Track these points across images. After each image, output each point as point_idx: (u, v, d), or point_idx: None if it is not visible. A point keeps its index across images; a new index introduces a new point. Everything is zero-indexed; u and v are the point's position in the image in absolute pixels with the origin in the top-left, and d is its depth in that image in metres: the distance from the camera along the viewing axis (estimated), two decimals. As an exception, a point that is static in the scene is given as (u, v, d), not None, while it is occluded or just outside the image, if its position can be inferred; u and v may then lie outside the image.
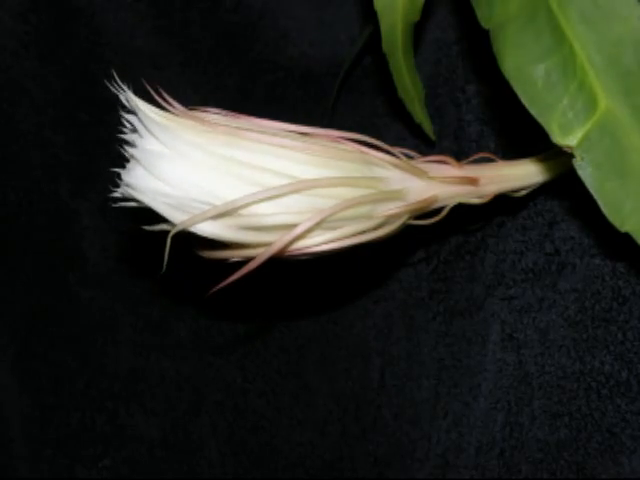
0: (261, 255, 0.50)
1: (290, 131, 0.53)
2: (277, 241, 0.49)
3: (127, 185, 0.48)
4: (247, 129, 0.51)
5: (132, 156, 0.49)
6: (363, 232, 0.53)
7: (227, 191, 0.49)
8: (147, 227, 0.51)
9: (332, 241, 0.52)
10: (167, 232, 0.49)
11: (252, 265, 0.50)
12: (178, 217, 0.48)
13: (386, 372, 0.79)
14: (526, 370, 0.71)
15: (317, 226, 0.51)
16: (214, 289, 0.51)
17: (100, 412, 0.96)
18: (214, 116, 0.52)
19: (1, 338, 1.01)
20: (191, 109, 0.52)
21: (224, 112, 0.53)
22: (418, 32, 0.70)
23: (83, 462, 0.97)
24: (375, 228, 0.54)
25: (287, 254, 0.52)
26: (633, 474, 0.66)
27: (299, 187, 0.50)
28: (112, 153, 1.00)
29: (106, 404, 0.95)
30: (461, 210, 0.59)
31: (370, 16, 0.65)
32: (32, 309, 0.99)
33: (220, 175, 0.49)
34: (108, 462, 0.96)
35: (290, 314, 0.85)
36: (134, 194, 0.48)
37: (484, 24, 0.50)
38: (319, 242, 0.52)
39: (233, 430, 0.88)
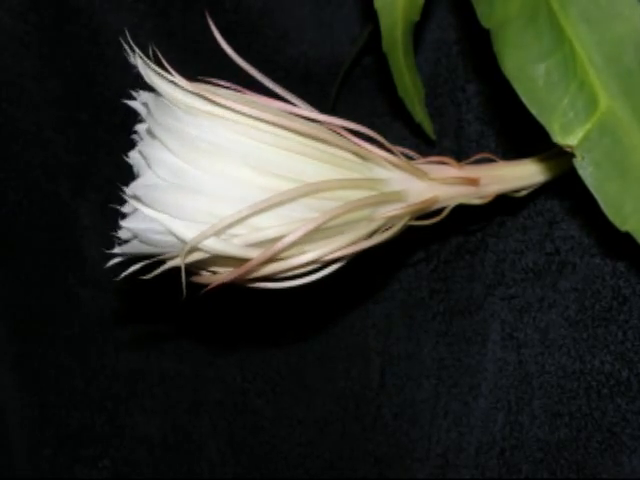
0: (256, 258, 0.49)
1: (295, 114, 0.53)
2: (276, 246, 0.49)
3: (129, 228, 0.48)
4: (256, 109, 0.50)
5: (135, 195, 0.48)
6: (365, 236, 0.53)
7: (233, 205, 0.48)
8: (152, 274, 0.51)
9: (335, 251, 0.52)
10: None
11: (243, 269, 0.50)
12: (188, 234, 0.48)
13: (386, 372, 0.79)
14: (526, 370, 0.71)
15: (319, 232, 0.50)
16: (206, 289, 0.51)
17: (100, 412, 0.96)
18: (224, 91, 0.52)
19: (1, 338, 1.01)
20: (200, 80, 0.52)
21: (232, 86, 0.53)
22: (418, 32, 0.70)
23: (83, 462, 0.97)
24: (376, 231, 0.54)
25: (293, 268, 0.51)
26: (633, 474, 0.66)
27: (304, 191, 0.49)
28: (112, 153, 1.00)
29: (106, 404, 0.95)
30: (461, 210, 0.59)
31: (370, 16, 0.65)
32: (32, 309, 0.99)
33: (227, 186, 0.48)
34: (108, 462, 0.96)
35: (290, 314, 0.85)
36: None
37: (484, 23, 0.50)
38: (323, 254, 0.51)
39: (233, 430, 0.88)
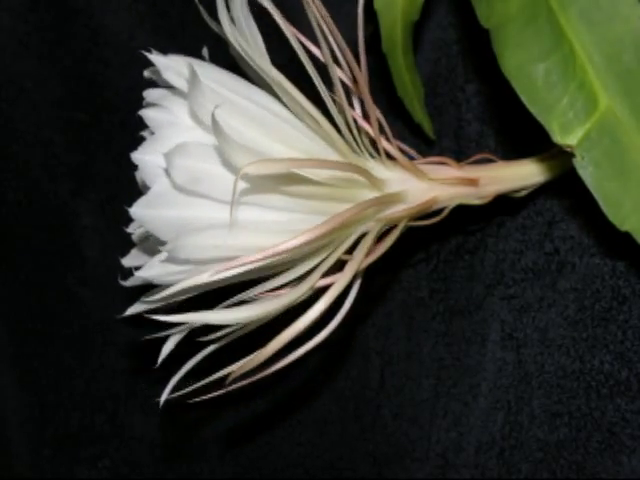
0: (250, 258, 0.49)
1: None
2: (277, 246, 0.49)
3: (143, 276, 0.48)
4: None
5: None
6: (372, 241, 0.53)
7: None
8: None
9: (359, 263, 0.52)
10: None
11: (231, 268, 0.49)
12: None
13: (386, 372, 0.79)
14: (526, 369, 0.71)
15: (324, 240, 0.50)
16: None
17: (100, 412, 0.96)
18: None
19: (1, 338, 1.00)
20: None
21: None
22: (418, 32, 0.70)
23: (83, 462, 0.97)
24: (377, 235, 0.54)
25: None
26: (633, 473, 0.67)
27: (300, 165, 0.49)
28: (112, 153, 1.00)
29: (106, 404, 0.95)
30: (461, 210, 0.59)
31: (370, 16, 0.65)
32: (32, 309, 0.99)
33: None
34: (108, 462, 0.96)
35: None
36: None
37: (484, 23, 0.50)
38: (350, 274, 0.51)
39: (233, 430, 0.88)
